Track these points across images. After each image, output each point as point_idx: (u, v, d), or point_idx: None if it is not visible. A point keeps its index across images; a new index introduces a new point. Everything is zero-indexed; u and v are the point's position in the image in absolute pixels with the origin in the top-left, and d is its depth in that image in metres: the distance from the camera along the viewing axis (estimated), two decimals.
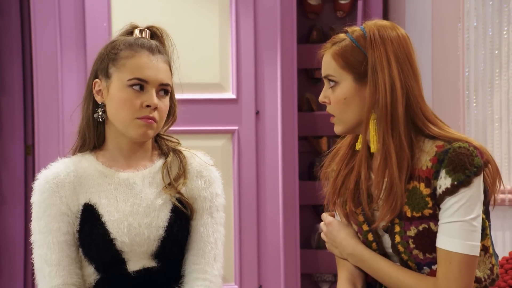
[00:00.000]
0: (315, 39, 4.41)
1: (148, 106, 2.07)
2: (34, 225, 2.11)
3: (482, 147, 1.99)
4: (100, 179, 2.11)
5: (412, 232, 1.98)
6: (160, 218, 2.09)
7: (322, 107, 4.46)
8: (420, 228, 1.97)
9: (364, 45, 2.01)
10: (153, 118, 2.07)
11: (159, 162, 2.16)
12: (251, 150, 4.02)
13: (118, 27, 3.97)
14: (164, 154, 2.18)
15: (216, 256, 2.13)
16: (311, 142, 4.41)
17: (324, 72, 2.06)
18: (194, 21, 3.99)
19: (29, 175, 4.35)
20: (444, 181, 1.94)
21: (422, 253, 1.98)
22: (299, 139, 4.20)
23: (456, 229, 1.93)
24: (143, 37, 2.14)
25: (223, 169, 3.98)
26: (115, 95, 2.09)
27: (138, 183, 2.12)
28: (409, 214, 1.97)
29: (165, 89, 2.11)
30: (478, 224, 1.94)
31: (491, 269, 2.02)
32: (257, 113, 4.03)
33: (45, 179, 2.13)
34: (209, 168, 2.19)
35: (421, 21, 4.27)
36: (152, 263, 2.08)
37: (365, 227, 2.06)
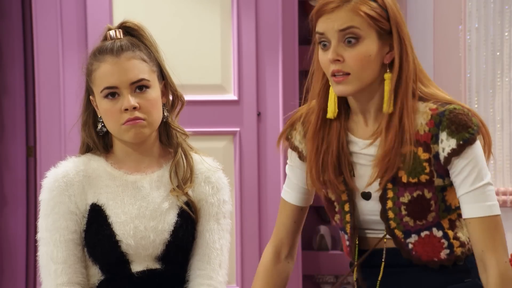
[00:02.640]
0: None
1: (126, 109, 2.06)
2: (41, 223, 2.12)
3: (472, 109, 1.98)
4: (109, 180, 2.11)
5: (405, 198, 1.95)
6: (166, 222, 2.08)
7: None
8: (414, 194, 1.95)
9: (382, 1, 1.95)
10: (137, 118, 2.06)
11: (167, 167, 2.15)
12: (252, 151, 4.02)
13: None
14: (174, 149, 2.16)
15: (221, 262, 2.12)
16: None
17: (342, 24, 1.92)
18: (196, 22, 3.99)
19: (31, 177, 4.35)
20: (447, 143, 1.93)
21: (413, 220, 1.96)
22: None
23: (481, 194, 1.93)
24: (114, 38, 2.12)
25: (225, 171, 3.97)
26: (100, 108, 2.12)
27: (146, 186, 2.11)
28: (404, 180, 1.94)
29: (139, 86, 2.09)
30: (490, 179, 1.96)
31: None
32: (258, 114, 4.03)
33: (55, 177, 2.12)
34: (218, 174, 2.20)
35: (422, 23, 4.27)
36: (156, 265, 2.08)
37: (344, 197, 2.02)
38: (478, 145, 1.94)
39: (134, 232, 2.06)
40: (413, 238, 1.97)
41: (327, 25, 1.93)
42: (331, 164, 2.01)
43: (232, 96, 4.02)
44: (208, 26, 3.99)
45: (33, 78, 4.15)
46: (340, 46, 1.93)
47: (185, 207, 2.10)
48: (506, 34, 4.23)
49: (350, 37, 1.92)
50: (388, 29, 1.95)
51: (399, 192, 1.96)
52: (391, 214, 1.97)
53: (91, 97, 2.15)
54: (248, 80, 4.01)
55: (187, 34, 3.97)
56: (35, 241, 4.47)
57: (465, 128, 1.93)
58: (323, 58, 1.96)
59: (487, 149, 1.99)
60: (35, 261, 4.17)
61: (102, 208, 2.08)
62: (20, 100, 4.35)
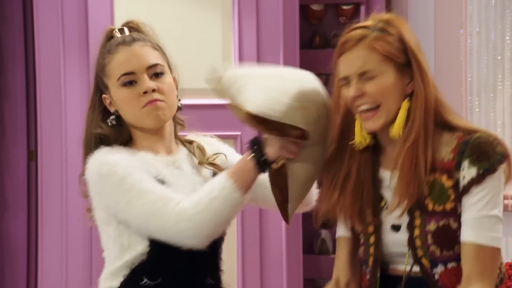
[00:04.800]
0: (318, 45, 4.41)
1: (145, 92, 2.09)
2: (117, 192, 2.02)
3: (499, 138, 1.99)
4: (155, 162, 2.12)
5: (432, 227, 1.96)
6: None
7: None
8: (440, 224, 1.96)
9: (396, 32, 2.00)
10: (156, 99, 2.10)
11: (182, 147, 2.22)
12: None
13: None
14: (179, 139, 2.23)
15: None
16: None
17: (359, 69, 1.98)
18: (197, 26, 3.99)
19: (32, 181, 4.35)
20: (468, 171, 1.93)
21: (439, 249, 1.96)
22: None
23: (486, 222, 1.93)
24: (121, 36, 2.16)
25: None
26: (116, 99, 2.13)
27: (182, 164, 2.16)
28: (430, 208, 1.96)
29: (155, 72, 2.13)
30: (501, 215, 1.95)
31: (499, 267, 2.01)
32: None
33: (107, 153, 2.09)
34: (213, 141, 2.33)
35: (423, 26, 4.28)
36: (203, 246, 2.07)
37: (370, 229, 2.04)
38: (498, 175, 1.94)
39: None
40: (440, 268, 1.97)
41: (347, 68, 1.99)
42: (361, 195, 2.03)
43: None
44: (209, 30, 3.99)
45: (35, 81, 4.15)
46: (360, 82, 1.98)
47: (215, 169, 2.19)
48: (507, 38, 4.23)
49: (368, 77, 1.98)
50: (406, 61, 1.99)
51: (426, 220, 1.97)
52: (418, 242, 1.98)
53: (104, 95, 2.16)
54: None
55: (188, 38, 3.97)
56: (36, 245, 4.48)
57: (486, 158, 1.93)
58: (346, 95, 2.01)
59: (509, 177, 2.00)
60: (36, 265, 4.19)
61: (164, 181, 2.08)
62: (22, 104, 4.35)
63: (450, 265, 1.97)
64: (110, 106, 2.16)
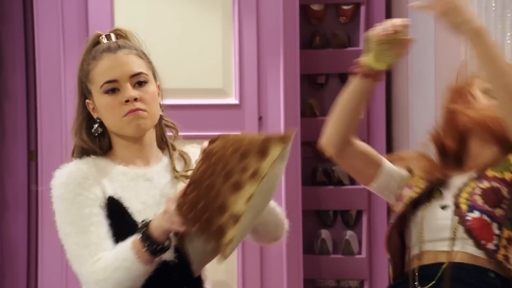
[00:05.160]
0: (318, 45, 4.40)
1: (126, 101, 2.10)
2: (63, 219, 2.09)
3: None
4: (120, 176, 2.14)
5: (484, 185, 2.08)
6: None
7: (325, 112, 4.45)
8: (494, 185, 2.07)
9: None
10: (138, 109, 2.11)
11: (166, 158, 2.21)
12: None
13: None
14: (166, 146, 2.23)
15: None
16: (314, 148, 4.40)
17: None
18: (197, 26, 3.99)
19: (32, 181, 4.35)
20: None
21: (482, 201, 2.06)
22: (302, 145, 4.20)
23: None
24: (108, 41, 2.17)
25: None
26: (98, 106, 2.14)
27: (154, 176, 2.16)
28: (489, 174, 2.09)
29: (138, 81, 2.14)
30: None
31: None
32: (260, 118, 4.03)
33: (68, 172, 2.12)
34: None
35: (424, 27, 4.27)
36: (171, 257, 2.10)
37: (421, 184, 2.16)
38: None
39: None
40: (475, 214, 2.05)
41: None
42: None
43: (233, 100, 4.02)
44: (209, 30, 3.99)
45: (35, 82, 4.15)
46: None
47: None
48: (508, 38, 4.23)
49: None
50: None
51: (480, 180, 2.09)
52: (464, 195, 2.08)
53: (87, 100, 2.17)
54: (249, 84, 4.01)
55: (188, 38, 3.97)
56: (36, 245, 4.47)
57: None
58: None
59: None
60: (36, 265, 4.18)
61: (120, 200, 2.11)
62: (22, 104, 4.35)
63: (485, 217, 2.04)
64: (93, 112, 2.17)
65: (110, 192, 2.11)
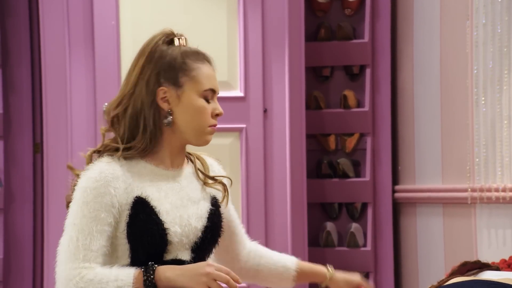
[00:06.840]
0: (323, 37, 4.40)
1: (217, 115, 2.22)
2: (78, 209, 2.10)
3: None
4: (151, 176, 2.18)
5: None
6: (203, 209, 2.22)
7: (330, 105, 4.45)
8: None
9: None
10: (216, 125, 2.23)
11: (190, 164, 2.28)
12: (259, 148, 4.02)
13: (126, 26, 3.99)
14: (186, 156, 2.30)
15: None
16: (319, 140, 4.41)
17: None
18: (202, 19, 3.99)
19: (38, 173, 4.36)
20: None
21: None
22: (307, 137, 4.20)
23: None
24: (185, 45, 2.22)
25: (231, 167, 3.98)
26: (190, 104, 2.18)
27: (183, 179, 2.22)
28: None
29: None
30: None
31: None
32: (265, 111, 4.03)
33: (100, 170, 2.13)
34: (217, 165, 2.37)
35: (429, 18, 4.27)
36: (186, 256, 2.15)
37: None
38: None
39: (180, 220, 2.15)
40: None
41: None
42: None
43: (238, 92, 4.02)
44: (215, 22, 3.99)
45: (40, 75, 4.16)
46: None
47: (214, 195, 2.27)
48: None
49: None
50: None
51: None
52: None
53: (163, 88, 2.16)
54: (254, 77, 4.01)
55: (193, 31, 3.96)
56: (42, 238, 4.48)
57: None
58: None
59: None
60: (42, 257, 4.20)
61: (147, 199, 2.14)
62: (27, 97, 4.36)
63: None
64: (163, 101, 2.17)
65: (138, 192, 2.14)
